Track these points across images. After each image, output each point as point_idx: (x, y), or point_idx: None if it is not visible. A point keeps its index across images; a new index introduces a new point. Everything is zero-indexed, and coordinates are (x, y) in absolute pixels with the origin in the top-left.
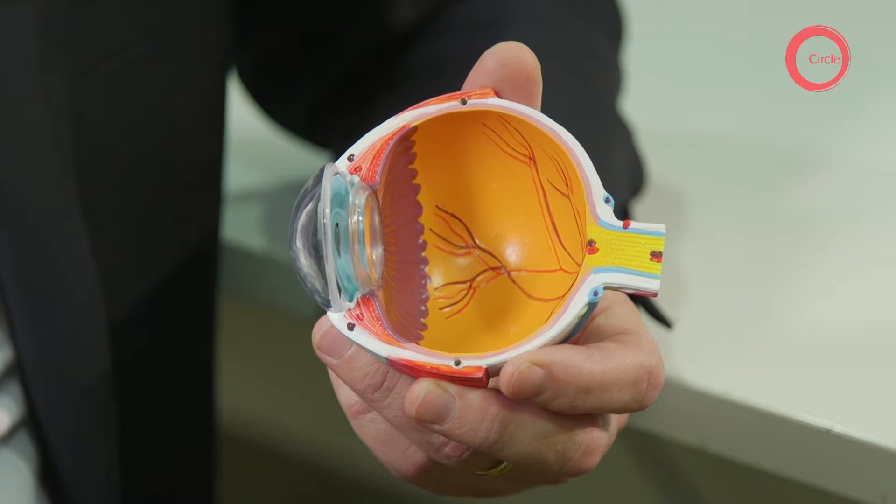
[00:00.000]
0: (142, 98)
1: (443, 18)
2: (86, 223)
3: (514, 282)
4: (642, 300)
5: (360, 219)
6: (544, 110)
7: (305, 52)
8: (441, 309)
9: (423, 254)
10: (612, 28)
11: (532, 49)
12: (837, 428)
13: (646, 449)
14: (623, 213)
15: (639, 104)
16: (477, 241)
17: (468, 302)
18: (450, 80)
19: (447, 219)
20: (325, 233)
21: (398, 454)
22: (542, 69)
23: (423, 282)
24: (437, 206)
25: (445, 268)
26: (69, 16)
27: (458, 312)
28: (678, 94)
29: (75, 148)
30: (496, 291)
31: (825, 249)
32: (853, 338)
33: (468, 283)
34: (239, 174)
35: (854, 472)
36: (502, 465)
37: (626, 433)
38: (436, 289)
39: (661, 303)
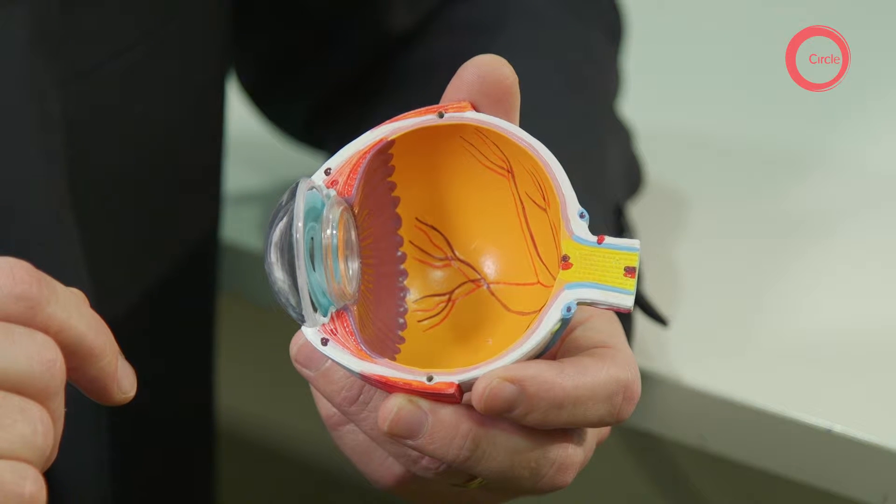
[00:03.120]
0: (140, 101)
1: (441, 20)
2: (81, 227)
3: (493, 294)
4: (637, 299)
5: (334, 232)
6: (540, 111)
7: (304, 55)
8: (420, 322)
9: (403, 266)
10: (611, 29)
11: (530, 49)
12: (837, 428)
13: (646, 449)
14: (618, 213)
15: (638, 104)
16: (457, 253)
17: (447, 314)
18: (447, 82)
19: (427, 231)
20: (297, 248)
21: (377, 466)
22: (538, 70)
23: (402, 294)
24: (416, 219)
25: (424, 280)
26: (63, 19)
27: (436, 325)
28: (677, 94)
29: (70, 151)
30: (475, 304)
31: (825, 249)
32: (853, 338)
33: (447, 296)
34: (238, 175)
35: (854, 472)
36: (480, 479)
37: (626, 433)
38: (414, 301)
39: (661, 303)
